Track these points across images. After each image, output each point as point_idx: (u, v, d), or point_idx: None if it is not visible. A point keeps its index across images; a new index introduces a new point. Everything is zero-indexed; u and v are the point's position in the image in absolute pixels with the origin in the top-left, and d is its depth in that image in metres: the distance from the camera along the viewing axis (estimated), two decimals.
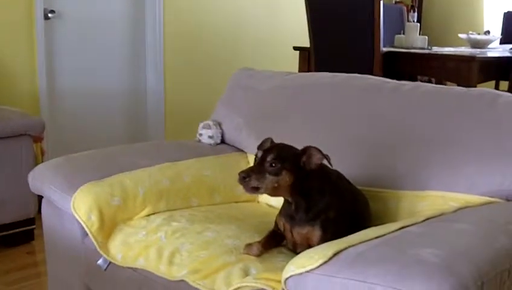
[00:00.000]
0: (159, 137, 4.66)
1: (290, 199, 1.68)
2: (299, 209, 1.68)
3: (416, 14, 4.43)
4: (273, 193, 1.65)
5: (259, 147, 1.72)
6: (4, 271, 2.94)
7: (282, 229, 1.75)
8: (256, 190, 1.61)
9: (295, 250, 1.70)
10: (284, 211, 1.75)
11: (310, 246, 1.61)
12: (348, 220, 1.69)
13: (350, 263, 1.34)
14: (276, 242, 1.76)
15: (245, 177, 1.58)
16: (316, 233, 1.66)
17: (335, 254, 1.37)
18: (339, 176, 1.79)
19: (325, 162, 1.65)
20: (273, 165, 1.60)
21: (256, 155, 1.65)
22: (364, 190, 1.89)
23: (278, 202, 2.02)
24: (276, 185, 1.61)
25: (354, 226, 1.62)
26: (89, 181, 2.04)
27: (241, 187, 1.62)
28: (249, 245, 1.72)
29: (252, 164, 1.68)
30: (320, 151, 1.62)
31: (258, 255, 1.70)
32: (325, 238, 1.60)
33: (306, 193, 1.66)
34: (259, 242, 1.72)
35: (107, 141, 4.04)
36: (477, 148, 1.85)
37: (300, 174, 1.63)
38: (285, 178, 1.61)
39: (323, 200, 1.67)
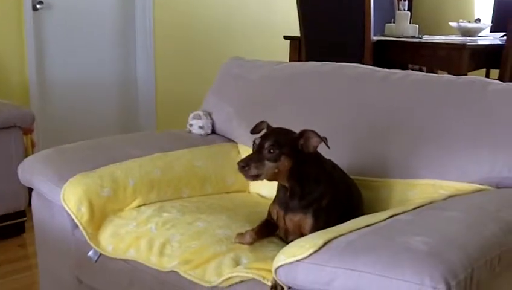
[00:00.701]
0: (150, 127, 4.64)
1: (286, 185, 1.68)
2: (293, 196, 1.68)
3: (406, 2, 4.39)
4: (273, 178, 1.65)
5: (253, 131, 1.73)
6: None
7: (275, 217, 1.75)
8: (256, 177, 1.61)
9: (286, 238, 1.71)
10: (278, 200, 1.75)
11: (301, 234, 1.61)
12: (340, 210, 1.69)
13: (340, 252, 1.34)
14: (268, 231, 1.76)
15: (244, 166, 1.59)
16: (308, 221, 1.66)
17: (325, 243, 1.38)
18: (333, 165, 1.80)
19: (321, 148, 1.65)
20: (272, 151, 1.60)
21: (254, 142, 1.65)
22: (356, 179, 1.89)
23: (269, 192, 2.02)
24: (276, 170, 1.61)
25: (346, 216, 1.62)
26: (79, 172, 2.03)
27: (233, 177, 1.62)
28: (241, 234, 1.72)
29: (242, 155, 1.68)
30: (317, 134, 1.63)
31: (251, 243, 1.70)
32: (317, 226, 1.61)
33: (302, 180, 1.66)
34: (252, 230, 1.73)
35: (98, 132, 4.01)
36: (467, 136, 1.85)
37: (299, 158, 1.64)
38: (284, 163, 1.61)
39: (317, 189, 1.67)
